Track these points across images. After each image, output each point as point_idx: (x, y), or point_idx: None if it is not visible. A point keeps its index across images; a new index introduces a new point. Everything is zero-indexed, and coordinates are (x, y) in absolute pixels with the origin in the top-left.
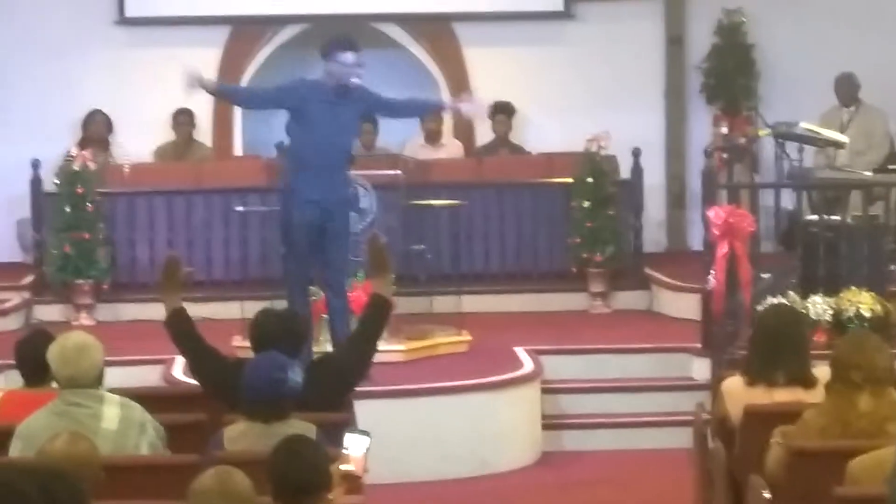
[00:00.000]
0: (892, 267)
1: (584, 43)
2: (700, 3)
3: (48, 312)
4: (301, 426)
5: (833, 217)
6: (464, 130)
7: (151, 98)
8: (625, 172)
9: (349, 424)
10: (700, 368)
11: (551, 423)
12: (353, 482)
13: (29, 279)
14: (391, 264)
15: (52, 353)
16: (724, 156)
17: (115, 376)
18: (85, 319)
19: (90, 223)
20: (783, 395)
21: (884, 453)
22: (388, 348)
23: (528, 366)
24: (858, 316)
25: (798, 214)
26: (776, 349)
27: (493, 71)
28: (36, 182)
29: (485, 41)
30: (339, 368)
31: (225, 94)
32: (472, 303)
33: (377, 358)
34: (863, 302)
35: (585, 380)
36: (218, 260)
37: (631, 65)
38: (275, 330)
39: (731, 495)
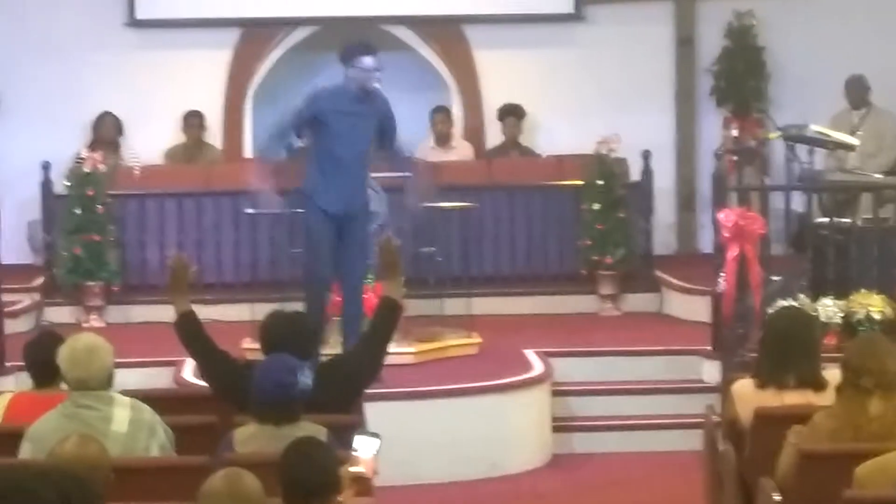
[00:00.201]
0: None
1: (594, 45)
2: (710, 6)
3: (58, 314)
4: (311, 428)
5: (843, 220)
6: (474, 133)
7: (162, 100)
8: (635, 175)
9: (359, 426)
10: (710, 371)
11: (561, 426)
12: (362, 484)
13: (39, 281)
14: (402, 267)
15: (63, 355)
16: (735, 158)
17: (126, 378)
18: (95, 321)
19: (100, 225)
20: (793, 398)
21: (890, 458)
22: (399, 350)
23: (538, 368)
24: (869, 318)
25: (808, 217)
26: (786, 352)
27: (503, 73)
28: (46, 184)
29: (495, 43)
30: (349, 371)
31: (279, 152)
32: (483, 305)
33: (387, 360)
34: (873, 304)
35: (595, 382)
36: (228, 262)
37: (641, 67)
38: (284, 332)
39: (741, 498)
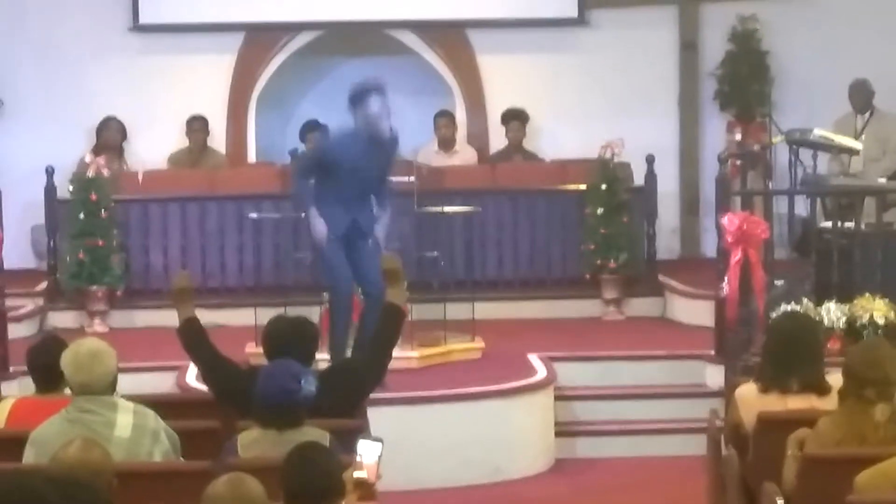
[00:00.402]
0: None
1: (597, 50)
2: (714, 10)
3: (62, 319)
4: (315, 433)
5: (847, 224)
6: (478, 137)
7: (165, 105)
8: (638, 179)
9: (362, 431)
10: (713, 375)
11: (564, 430)
12: (365, 489)
13: (43, 286)
14: (404, 274)
15: (66, 359)
16: (738, 162)
17: (129, 383)
18: (98, 326)
19: (104, 230)
20: (797, 403)
21: (890, 464)
22: (402, 355)
23: (541, 373)
24: (872, 323)
25: (812, 221)
26: (790, 356)
27: (506, 78)
28: (50, 189)
29: (499, 48)
30: (353, 376)
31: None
32: (486, 309)
33: (391, 365)
34: (877, 309)
35: (599, 387)
36: (231, 267)
37: (645, 71)
38: (288, 337)
39: (744, 502)
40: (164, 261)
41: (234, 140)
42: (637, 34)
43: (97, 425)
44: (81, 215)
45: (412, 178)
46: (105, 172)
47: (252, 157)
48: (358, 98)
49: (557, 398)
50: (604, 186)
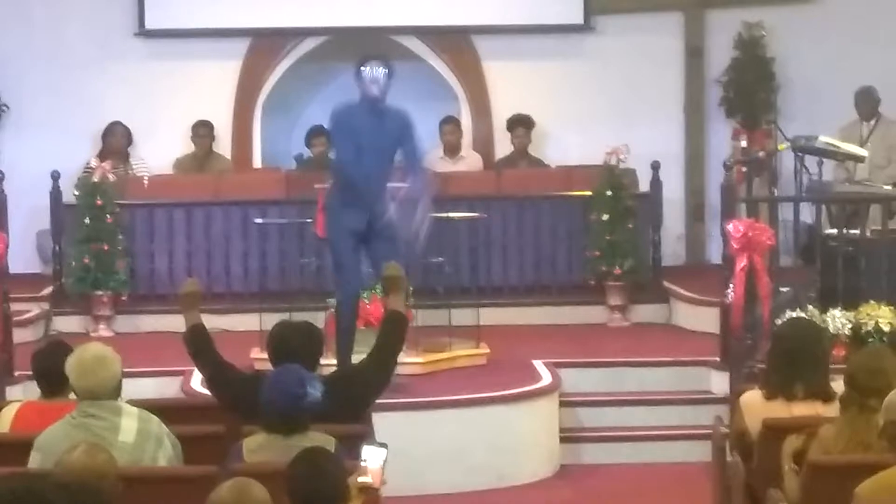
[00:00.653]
0: None
1: (603, 56)
2: (720, 17)
3: (67, 324)
4: (320, 438)
5: (852, 231)
6: (483, 143)
7: (171, 110)
8: (644, 185)
9: (367, 437)
10: (718, 382)
11: (569, 436)
12: (370, 494)
13: (48, 290)
14: (406, 283)
15: (71, 364)
16: (744, 169)
17: (134, 388)
18: (103, 331)
19: (109, 235)
20: (802, 409)
21: (891, 475)
22: (407, 361)
23: (546, 378)
24: (877, 330)
25: (817, 228)
26: (795, 363)
27: (512, 84)
28: (56, 194)
29: (504, 54)
30: (358, 382)
31: None
32: (491, 315)
33: (396, 370)
34: (882, 316)
35: (603, 393)
36: (237, 272)
37: (650, 78)
38: (293, 342)
39: None
40: (169, 266)
41: (239, 145)
42: (643, 41)
43: (102, 430)
44: (87, 220)
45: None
46: (110, 177)
47: (257, 162)
48: (356, 67)
49: (562, 404)
50: (609, 193)
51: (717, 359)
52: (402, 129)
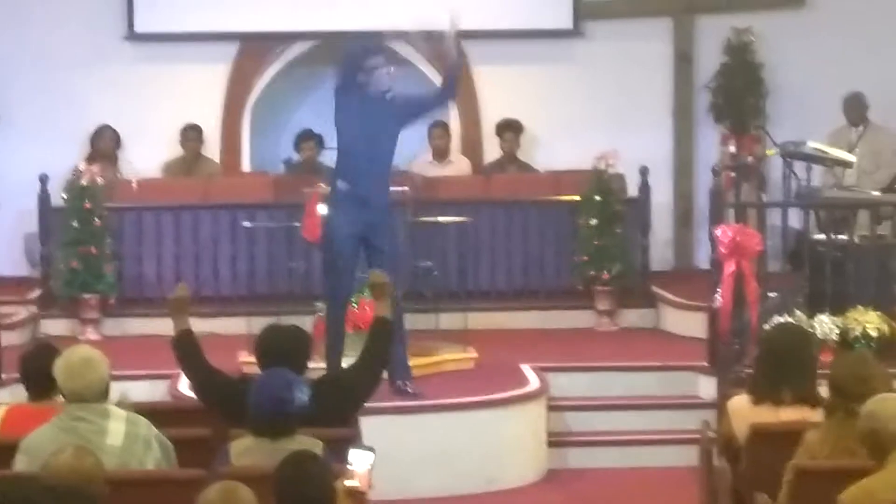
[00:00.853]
0: None
1: (592, 61)
2: (709, 22)
3: (55, 327)
4: (307, 442)
5: (840, 236)
6: (472, 147)
7: (160, 113)
8: (632, 190)
9: (354, 440)
10: (706, 387)
11: (557, 441)
12: (357, 498)
13: (36, 293)
14: (391, 290)
15: (58, 367)
16: (732, 174)
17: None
18: (91, 334)
19: (97, 238)
20: (789, 414)
21: (874, 482)
22: None
23: (533, 383)
24: (865, 335)
25: (805, 233)
26: (782, 368)
27: (501, 88)
28: (44, 197)
29: (494, 59)
30: (347, 386)
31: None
32: (479, 319)
33: (384, 374)
34: (869, 321)
35: (591, 397)
36: (225, 275)
37: (639, 83)
38: (280, 346)
39: None
40: (157, 269)
41: (228, 149)
42: (632, 46)
43: (89, 433)
44: (75, 223)
45: (406, 189)
46: (99, 181)
47: (246, 166)
48: (362, 57)
49: (550, 408)
50: (598, 197)
51: (705, 363)
52: (400, 105)
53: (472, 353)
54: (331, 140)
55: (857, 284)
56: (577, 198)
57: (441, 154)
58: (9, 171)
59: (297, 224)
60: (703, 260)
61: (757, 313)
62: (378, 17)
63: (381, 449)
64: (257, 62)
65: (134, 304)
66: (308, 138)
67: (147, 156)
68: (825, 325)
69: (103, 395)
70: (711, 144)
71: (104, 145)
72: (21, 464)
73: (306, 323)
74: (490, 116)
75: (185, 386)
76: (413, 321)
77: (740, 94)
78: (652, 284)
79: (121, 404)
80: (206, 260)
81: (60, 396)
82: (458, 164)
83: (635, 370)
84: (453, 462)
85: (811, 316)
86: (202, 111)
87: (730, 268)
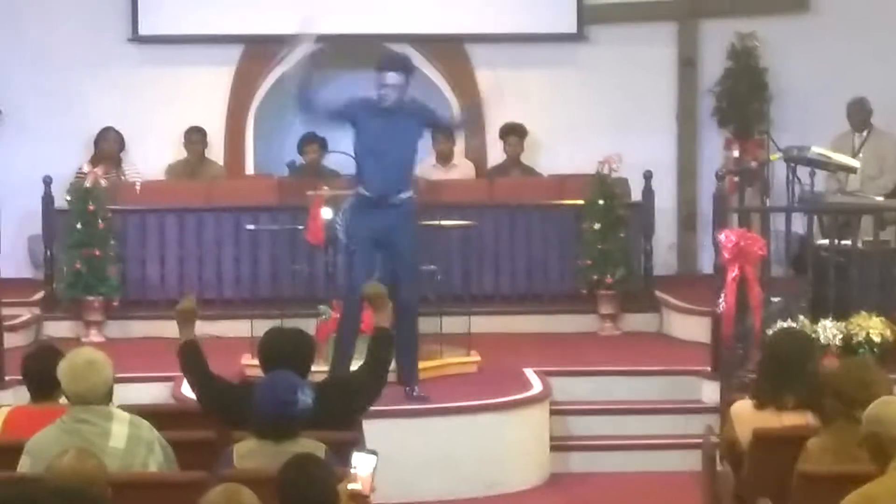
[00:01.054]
0: None
1: (596, 65)
2: (713, 27)
3: (58, 329)
4: (310, 445)
5: (844, 242)
6: (476, 151)
7: (164, 116)
8: (636, 195)
9: (357, 443)
10: (709, 391)
11: (560, 445)
12: (360, 501)
13: (39, 295)
14: (388, 300)
15: (62, 369)
16: (736, 179)
17: (124, 393)
18: (94, 336)
19: (101, 240)
20: (792, 419)
21: (876, 489)
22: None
23: (536, 387)
24: (868, 340)
25: (809, 239)
26: (785, 373)
27: (505, 92)
28: (47, 199)
29: (497, 62)
30: (350, 390)
31: (309, 95)
32: (482, 323)
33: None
34: (873, 327)
35: (594, 401)
36: (228, 278)
37: (643, 87)
38: (284, 349)
39: None
40: (160, 271)
41: (231, 151)
42: (636, 50)
43: (92, 435)
44: (78, 225)
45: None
46: (103, 183)
47: (250, 168)
48: (376, 67)
49: (553, 413)
50: (601, 202)
51: (708, 368)
52: (420, 116)
53: (476, 357)
54: (335, 144)
55: (861, 290)
56: (581, 202)
57: (445, 158)
58: (13, 173)
59: (300, 227)
60: (706, 264)
61: (760, 318)
62: (381, 20)
63: (384, 452)
64: (262, 65)
65: (137, 307)
66: (312, 141)
67: (151, 158)
68: (828, 330)
69: (107, 397)
70: (715, 149)
71: (108, 147)
72: (25, 466)
73: (309, 326)
74: (494, 120)
75: (188, 388)
76: None
77: (744, 99)
78: (655, 289)
79: None
80: (210, 263)
81: (63, 398)
82: (462, 168)
83: (638, 374)
84: (456, 466)
85: (814, 321)
86: (206, 114)
87: (733, 272)
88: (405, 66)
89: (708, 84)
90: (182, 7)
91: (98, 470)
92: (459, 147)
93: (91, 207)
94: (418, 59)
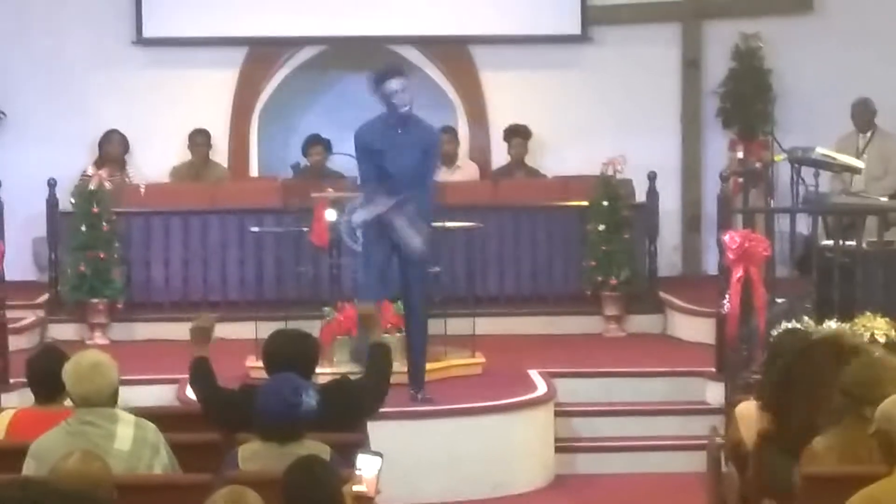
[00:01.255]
0: None
1: (600, 66)
2: (717, 28)
3: (63, 331)
4: (315, 447)
5: (848, 242)
6: (480, 153)
7: (168, 118)
8: (640, 196)
9: (362, 445)
10: (714, 392)
11: (564, 446)
12: (365, 503)
13: (44, 298)
14: (379, 320)
15: (67, 371)
16: (740, 180)
17: (129, 395)
18: (99, 338)
19: (106, 242)
20: None
21: (878, 489)
22: (403, 370)
23: (541, 388)
24: (873, 341)
25: (813, 239)
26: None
27: (509, 94)
28: (52, 201)
29: (501, 64)
30: (355, 392)
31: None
32: (487, 325)
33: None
34: (877, 327)
35: (599, 403)
36: (233, 280)
37: (647, 88)
38: (288, 351)
39: None
40: (165, 274)
41: (236, 154)
42: (640, 51)
43: (97, 437)
44: (83, 228)
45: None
46: (107, 185)
47: (254, 170)
48: (379, 81)
49: (558, 414)
50: (605, 203)
51: (713, 369)
52: (428, 145)
53: (480, 359)
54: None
55: (865, 290)
56: (585, 203)
57: (449, 159)
58: (17, 176)
59: (305, 229)
60: (710, 265)
61: (765, 319)
62: (385, 22)
63: (389, 454)
64: (266, 67)
65: (142, 309)
66: (316, 143)
67: (155, 160)
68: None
69: (112, 399)
70: (719, 150)
71: (112, 150)
72: (30, 468)
73: (314, 328)
74: (498, 122)
75: (192, 391)
76: None
77: (748, 100)
78: (660, 290)
79: None
80: (214, 265)
81: (68, 400)
82: (466, 170)
83: (643, 376)
84: (461, 467)
85: (819, 322)
86: (210, 116)
87: (737, 273)
88: (402, 70)
89: (712, 85)
90: (186, 10)
91: (103, 472)
92: (464, 149)
93: (95, 210)
94: (422, 61)
